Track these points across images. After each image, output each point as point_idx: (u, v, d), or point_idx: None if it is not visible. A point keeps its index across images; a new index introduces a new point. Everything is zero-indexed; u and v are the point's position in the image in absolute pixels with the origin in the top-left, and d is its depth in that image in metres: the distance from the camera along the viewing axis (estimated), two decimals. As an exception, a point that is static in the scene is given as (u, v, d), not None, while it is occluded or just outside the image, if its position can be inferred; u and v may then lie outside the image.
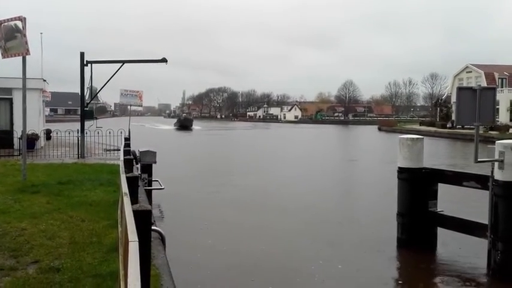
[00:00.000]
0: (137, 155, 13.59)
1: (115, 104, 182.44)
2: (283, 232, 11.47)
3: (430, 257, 9.52)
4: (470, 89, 8.61)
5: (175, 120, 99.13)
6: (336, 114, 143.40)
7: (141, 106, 25.86)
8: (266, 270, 8.72)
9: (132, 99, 22.30)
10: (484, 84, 55.02)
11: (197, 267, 8.65)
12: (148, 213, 3.30)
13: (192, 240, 10.48)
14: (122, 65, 20.13)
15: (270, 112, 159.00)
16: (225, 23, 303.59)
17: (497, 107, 12.99)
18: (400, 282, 8.55)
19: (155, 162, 13.45)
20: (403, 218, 9.84)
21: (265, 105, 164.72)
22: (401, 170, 9.87)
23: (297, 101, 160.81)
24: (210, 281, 8.10)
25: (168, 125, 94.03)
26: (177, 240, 9.27)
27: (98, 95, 28.13)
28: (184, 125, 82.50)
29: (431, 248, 9.73)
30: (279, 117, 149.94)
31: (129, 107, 23.74)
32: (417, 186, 9.67)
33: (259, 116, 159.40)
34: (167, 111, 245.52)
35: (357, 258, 9.55)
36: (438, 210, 9.69)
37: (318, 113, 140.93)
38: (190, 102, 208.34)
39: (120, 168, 7.21)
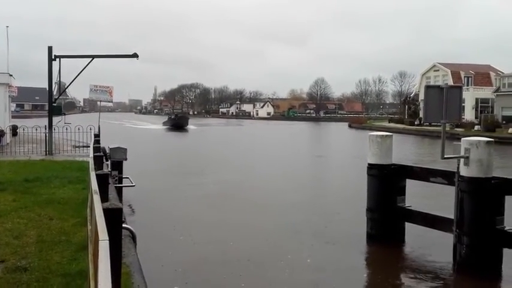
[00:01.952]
0: (107, 151, 13.36)
1: (84, 99, 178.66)
2: (254, 228, 11.53)
3: (399, 251, 9.74)
4: (438, 87, 8.82)
5: (148, 116, 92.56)
6: (307, 111, 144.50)
7: (111, 102, 25.38)
8: (237, 264, 8.75)
9: (102, 94, 21.82)
10: (451, 82, 56.41)
11: (167, 263, 8.60)
12: (119, 211, 3.27)
13: (162, 235, 10.42)
14: (91, 60, 19.66)
15: (243, 109, 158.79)
16: (198, 18, 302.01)
17: (463, 104, 13.35)
18: (365, 275, 8.71)
19: (126, 159, 13.25)
20: (372, 213, 10.04)
21: (237, 102, 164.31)
22: (371, 166, 10.06)
23: (269, 98, 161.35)
24: (182, 276, 8.06)
25: (153, 124, 79.27)
26: (147, 236, 9.21)
27: (67, 90, 27.46)
28: (178, 124, 69.14)
29: (400, 242, 9.96)
30: (251, 113, 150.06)
31: (98, 102, 23.26)
32: (386, 182, 9.87)
33: (232, 113, 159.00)
34: (138, 107, 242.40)
35: (326, 252, 9.68)
36: (406, 205, 9.92)
37: (290, 110, 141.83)
38: (162, 98, 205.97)
39: (90, 166, 7.09)
